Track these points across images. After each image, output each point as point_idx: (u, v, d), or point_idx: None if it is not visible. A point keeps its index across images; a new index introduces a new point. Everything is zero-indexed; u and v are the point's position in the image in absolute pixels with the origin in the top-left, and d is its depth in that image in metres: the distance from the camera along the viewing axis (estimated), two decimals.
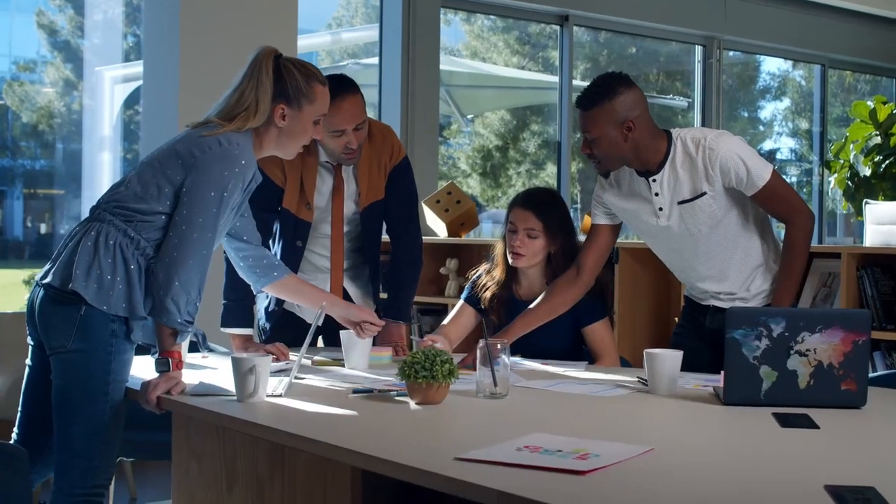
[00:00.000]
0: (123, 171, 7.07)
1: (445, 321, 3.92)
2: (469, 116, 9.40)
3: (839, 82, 10.32)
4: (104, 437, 2.94)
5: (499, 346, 2.90)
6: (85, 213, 6.52)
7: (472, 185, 9.26)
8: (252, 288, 3.49)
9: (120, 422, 2.99)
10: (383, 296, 3.98)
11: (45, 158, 7.76)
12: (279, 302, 3.86)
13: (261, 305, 3.94)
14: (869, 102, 8.62)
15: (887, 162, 8.49)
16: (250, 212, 3.33)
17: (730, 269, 3.47)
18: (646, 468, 2.11)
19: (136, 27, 7.30)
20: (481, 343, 2.92)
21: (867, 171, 8.56)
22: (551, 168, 9.10)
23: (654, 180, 3.41)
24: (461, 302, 3.92)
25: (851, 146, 8.77)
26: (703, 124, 9.13)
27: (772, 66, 10.56)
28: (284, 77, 3.09)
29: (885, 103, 8.61)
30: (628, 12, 8.25)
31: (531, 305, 3.64)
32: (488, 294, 3.83)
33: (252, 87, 3.05)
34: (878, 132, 8.58)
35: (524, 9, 7.91)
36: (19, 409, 3.14)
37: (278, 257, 3.69)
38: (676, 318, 5.07)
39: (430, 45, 7.20)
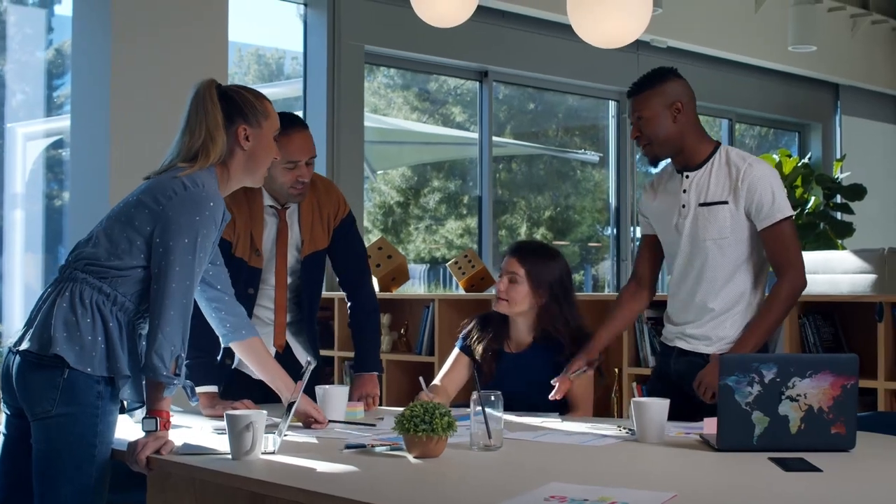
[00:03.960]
0: (44, 227, 6.92)
1: (441, 373, 3.90)
2: (379, 172, 9.42)
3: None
4: (90, 502, 2.85)
5: (492, 398, 2.90)
6: (7, 272, 6.21)
7: None
8: (221, 340, 3.39)
9: (105, 485, 2.90)
10: (333, 353, 3.96)
11: None
12: (229, 356, 3.79)
13: None
14: (774, 156, 8.88)
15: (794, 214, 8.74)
16: (222, 259, 3.26)
17: (716, 294, 3.52)
18: None
19: (26, 84, 7.17)
20: (474, 395, 2.92)
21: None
22: (451, 224, 9.14)
23: (687, 176, 3.53)
24: (456, 351, 3.92)
25: None
26: (618, 179, 9.26)
27: None
28: (235, 99, 3.04)
29: (789, 156, 8.89)
30: (546, 68, 8.39)
31: (609, 319, 3.74)
32: (480, 347, 3.82)
33: (200, 120, 2.99)
34: (783, 185, 8.83)
35: (443, 65, 7.99)
36: None
37: None
38: (617, 369, 5.15)
39: (355, 100, 7.23)
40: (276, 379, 3.36)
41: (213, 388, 3.66)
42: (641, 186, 3.89)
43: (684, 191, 3.54)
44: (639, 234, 3.75)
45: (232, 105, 3.02)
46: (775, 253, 3.47)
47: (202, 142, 2.97)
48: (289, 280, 3.83)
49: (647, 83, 3.58)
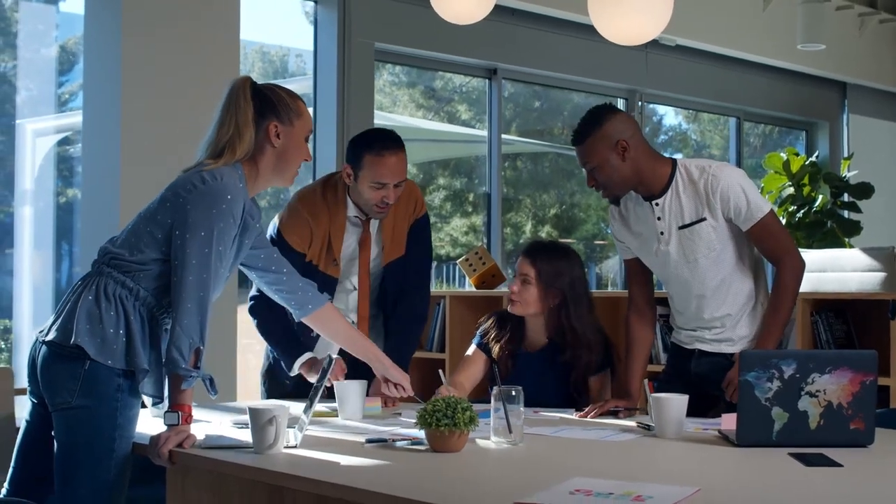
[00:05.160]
0: (54, 224, 6.93)
1: (458, 369, 3.90)
2: None
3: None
4: (109, 495, 2.87)
5: (513, 393, 2.91)
6: (17, 268, 6.30)
7: None
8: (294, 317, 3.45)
9: (125, 479, 2.92)
10: None
11: None
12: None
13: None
14: (782, 154, 8.88)
15: (801, 212, 8.74)
16: (268, 240, 3.27)
17: (723, 301, 3.53)
18: None
19: (32, 80, 7.18)
20: (495, 389, 2.92)
21: (782, 221, 8.79)
22: (457, 221, 9.15)
23: (656, 204, 3.50)
24: (473, 348, 3.90)
25: (766, 197, 8.98)
26: None
27: (671, 120, 10.78)
28: (269, 96, 3.05)
29: (796, 155, 8.88)
30: (556, 66, 8.38)
31: (630, 358, 3.69)
32: (497, 347, 3.82)
33: (231, 115, 3.00)
34: (791, 183, 8.84)
35: (453, 62, 7.98)
36: (12, 465, 3.05)
37: None
38: None
39: (365, 97, 7.23)
40: (354, 345, 3.50)
41: (308, 355, 3.64)
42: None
43: (658, 218, 3.51)
44: None
45: (265, 102, 3.03)
46: (766, 246, 3.49)
47: (230, 136, 2.98)
48: (371, 285, 3.85)
49: (586, 130, 3.46)
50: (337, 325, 3.46)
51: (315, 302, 3.36)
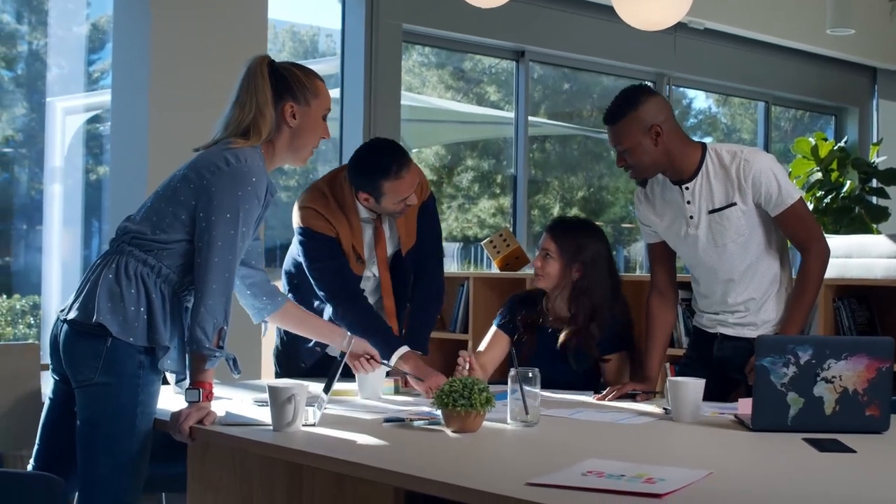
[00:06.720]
0: (84, 200, 6.99)
1: (479, 350, 3.93)
2: (413, 150, 9.41)
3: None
4: (131, 472, 2.90)
5: (530, 375, 2.93)
6: (46, 244, 6.33)
7: None
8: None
9: (146, 455, 2.95)
10: None
11: None
12: (319, 344, 3.86)
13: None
14: (810, 139, 8.84)
15: (829, 197, 8.70)
16: (260, 235, 3.29)
17: (748, 286, 3.53)
18: (715, 491, 2.16)
19: (64, 58, 7.23)
20: (512, 371, 2.95)
21: (810, 206, 8.75)
22: (484, 203, 9.16)
23: (686, 188, 3.49)
24: (494, 329, 3.95)
25: (794, 182, 8.94)
26: None
27: (701, 104, 10.74)
28: (285, 76, 3.06)
29: (825, 140, 8.84)
30: (583, 49, 8.37)
31: (650, 341, 3.70)
32: (520, 324, 3.86)
33: (251, 95, 3.01)
34: (819, 168, 8.80)
35: (480, 44, 7.98)
36: (37, 441, 3.10)
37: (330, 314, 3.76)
38: None
39: (392, 79, 7.24)
40: (323, 331, 3.53)
41: (406, 349, 3.68)
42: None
43: (688, 202, 3.51)
44: None
45: (281, 82, 3.05)
46: (794, 232, 3.48)
47: (252, 116, 3.00)
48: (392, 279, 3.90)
49: (620, 111, 3.43)
50: (301, 316, 3.49)
51: (283, 296, 3.39)
